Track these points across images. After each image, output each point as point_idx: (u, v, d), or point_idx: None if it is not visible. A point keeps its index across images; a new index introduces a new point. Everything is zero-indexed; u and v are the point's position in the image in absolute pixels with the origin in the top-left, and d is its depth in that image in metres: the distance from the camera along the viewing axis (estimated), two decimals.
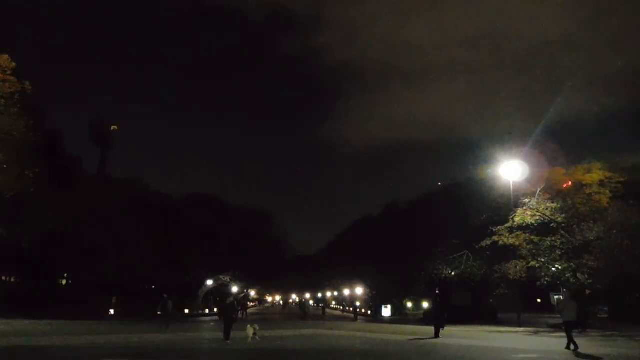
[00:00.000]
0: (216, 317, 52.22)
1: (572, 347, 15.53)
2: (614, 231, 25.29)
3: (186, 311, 54.23)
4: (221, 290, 67.95)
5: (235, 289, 70.18)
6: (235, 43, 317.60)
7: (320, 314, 58.91)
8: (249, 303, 76.94)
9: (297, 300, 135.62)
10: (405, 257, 44.98)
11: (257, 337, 17.30)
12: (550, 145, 32.24)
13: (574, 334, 16.23)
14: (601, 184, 30.48)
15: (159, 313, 26.61)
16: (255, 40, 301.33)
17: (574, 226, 27.21)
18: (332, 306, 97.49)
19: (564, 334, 23.07)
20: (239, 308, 31.35)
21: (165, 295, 27.36)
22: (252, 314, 59.48)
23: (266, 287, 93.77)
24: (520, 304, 34.33)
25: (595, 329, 25.79)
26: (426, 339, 19.71)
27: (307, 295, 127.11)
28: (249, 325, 17.68)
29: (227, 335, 17.62)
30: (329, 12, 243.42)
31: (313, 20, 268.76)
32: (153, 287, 53.41)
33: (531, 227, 28.08)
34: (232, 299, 21.12)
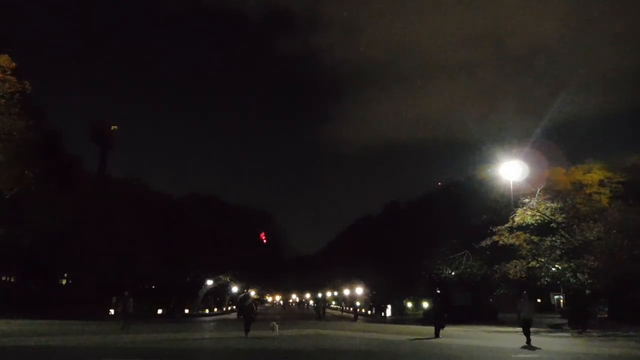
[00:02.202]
0: (216, 317, 52.29)
1: (528, 342, 16.96)
2: (614, 231, 25.29)
3: (186, 311, 54.27)
4: (221, 290, 67.96)
5: (235, 289, 70.22)
6: (235, 43, 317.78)
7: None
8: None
9: (297, 300, 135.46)
10: (405, 257, 44.92)
11: (275, 332, 20.18)
12: (550, 145, 32.20)
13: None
14: (601, 184, 30.43)
15: (119, 311, 24.82)
16: (254, 40, 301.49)
17: (574, 226, 27.20)
18: (332, 306, 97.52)
19: (564, 334, 23.18)
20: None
21: (126, 293, 25.68)
22: None
23: (266, 287, 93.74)
24: None
25: (595, 329, 25.80)
26: (426, 339, 19.71)
27: (307, 295, 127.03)
28: (274, 323, 21.10)
29: (247, 332, 19.78)
30: (328, 12, 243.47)
31: (312, 20, 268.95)
32: (153, 287, 53.41)
33: (531, 227, 28.07)
34: (250, 300, 23.05)
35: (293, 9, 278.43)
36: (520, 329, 27.00)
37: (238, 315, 46.25)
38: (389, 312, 54.26)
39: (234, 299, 79.31)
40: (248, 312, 20.99)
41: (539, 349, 16.12)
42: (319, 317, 44.34)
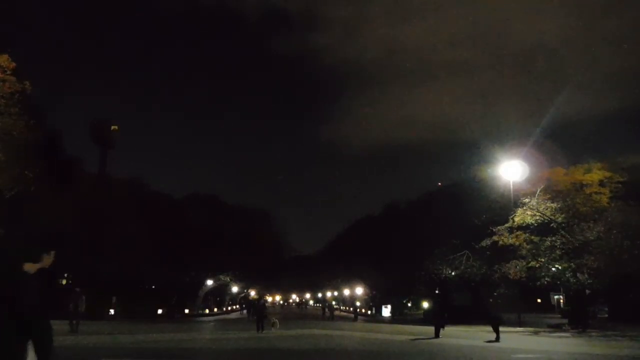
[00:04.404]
0: (217, 317, 52.34)
1: (496, 338, 18.51)
2: (614, 231, 25.29)
3: (186, 311, 54.32)
4: (221, 290, 67.97)
5: (235, 289, 70.27)
6: (234, 43, 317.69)
7: (320, 314, 59.01)
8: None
9: (297, 300, 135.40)
10: (405, 257, 44.94)
11: (276, 328, 22.82)
12: (550, 145, 32.25)
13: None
14: (601, 184, 30.44)
15: (70, 310, 22.09)
16: (253, 40, 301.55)
17: (574, 226, 27.20)
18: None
19: (564, 334, 23.18)
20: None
21: (78, 289, 23.64)
22: None
23: (266, 287, 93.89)
24: (520, 304, 34.32)
25: (595, 329, 25.80)
26: (426, 339, 19.71)
27: (307, 295, 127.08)
28: (275, 320, 24.40)
29: (258, 329, 22.44)
30: (326, 12, 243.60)
31: (310, 20, 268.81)
32: (153, 287, 53.42)
33: (531, 227, 28.07)
34: (262, 301, 27.26)
35: (291, 8, 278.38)
36: (519, 328, 27.36)
37: (248, 314, 49.16)
38: (388, 312, 54.26)
39: (234, 299, 79.43)
40: (260, 311, 24.61)
41: (497, 342, 17.93)
42: (332, 317, 46.20)
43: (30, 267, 4.53)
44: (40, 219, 29.76)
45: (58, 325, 22.70)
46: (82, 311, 22.47)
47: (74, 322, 21.08)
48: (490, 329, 19.60)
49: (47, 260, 4.66)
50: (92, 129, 53.50)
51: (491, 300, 29.51)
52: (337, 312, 76.73)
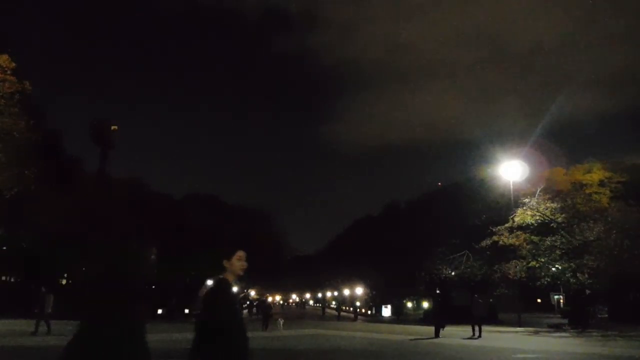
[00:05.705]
0: None
1: (476, 335, 20.27)
2: (614, 231, 25.32)
3: (186, 311, 54.30)
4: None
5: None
6: (234, 43, 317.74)
7: (320, 314, 59.19)
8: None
9: (297, 300, 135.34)
10: (406, 257, 44.95)
11: (280, 327, 23.75)
12: (550, 145, 32.32)
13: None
14: (601, 184, 30.51)
15: (36, 311, 20.87)
16: (252, 40, 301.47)
17: (574, 226, 27.23)
18: (332, 306, 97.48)
19: (564, 334, 23.24)
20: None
21: (44, 289, 22.50)
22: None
23: (266, 287, 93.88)
24: (520, 304, 34.31)
25: (595, 329, 25.80)
26: (426, 339, 19.72)
27: (307, 295, 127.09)
28: (280, 319, 25.53)
29: (265, 327, 23.89)
30: (325, 12, 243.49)
31: (310, 20, 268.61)
32: (153, 287, 53.39)
33: (531, 227, 28.11)
34: (268, 301, 29.53)
35: (291, 8, 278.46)
36: (519, 328, 27.37)
37: (250, 313, 51.69)
38: (388, 312, 54.26)
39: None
40: (266, 311, 26.26)
41: (480, 337, 19.64)
42: (339, 317, 48.98)
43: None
44: (40, 219, 29.81)
45: (43, 327, 22.24)
46: (49, 312, 20.94)
47: (42, 322, 19.89)
48: (491, 329, 19.82)
49: None
50: (92, 129, 53.38)
51: (486, 300, 29.53)
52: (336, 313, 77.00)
